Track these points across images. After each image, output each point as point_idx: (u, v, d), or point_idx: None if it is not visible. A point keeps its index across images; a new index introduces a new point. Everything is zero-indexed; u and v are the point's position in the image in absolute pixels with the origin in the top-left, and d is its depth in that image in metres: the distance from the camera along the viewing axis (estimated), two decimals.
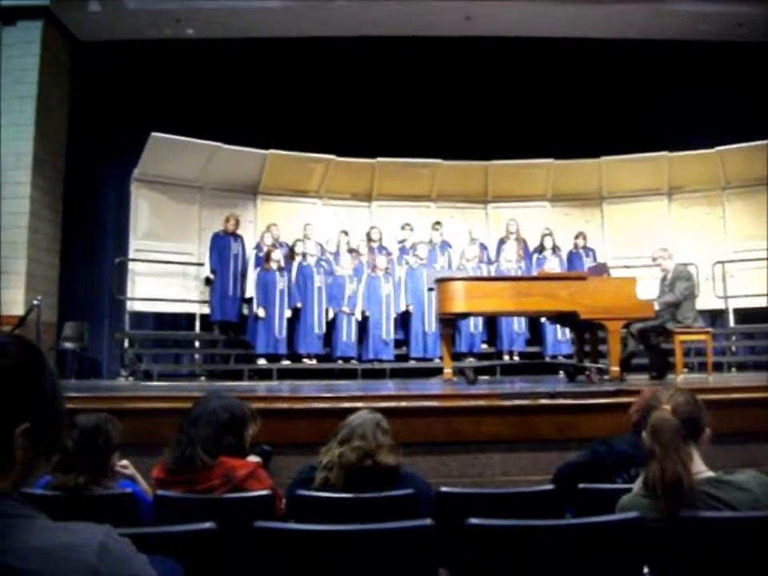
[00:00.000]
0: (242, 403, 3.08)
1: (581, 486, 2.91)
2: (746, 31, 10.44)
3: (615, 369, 7.09)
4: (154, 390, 7.25)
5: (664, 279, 7.93)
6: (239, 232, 10.57)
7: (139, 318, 10.40)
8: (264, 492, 2.77)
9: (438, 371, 8.64)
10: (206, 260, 10.36)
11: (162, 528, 2.30)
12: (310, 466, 2.98)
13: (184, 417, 2.97)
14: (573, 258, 10.90)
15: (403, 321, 10.51)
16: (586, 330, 8.05)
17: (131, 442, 4.16)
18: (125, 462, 3.16)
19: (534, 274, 9.76)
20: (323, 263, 10.39)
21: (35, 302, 8.68)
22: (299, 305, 10.02)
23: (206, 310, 10.45)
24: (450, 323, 7.91)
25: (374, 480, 2.81)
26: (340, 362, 10.08)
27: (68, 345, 9.81)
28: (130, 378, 9.55)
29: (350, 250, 10.60)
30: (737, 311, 10.85)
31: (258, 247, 10.39)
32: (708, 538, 2.13)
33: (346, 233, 10.78)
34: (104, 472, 2.91)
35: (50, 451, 1.17)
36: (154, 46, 10.64)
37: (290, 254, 10.27)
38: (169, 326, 10.79)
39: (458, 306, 7.29)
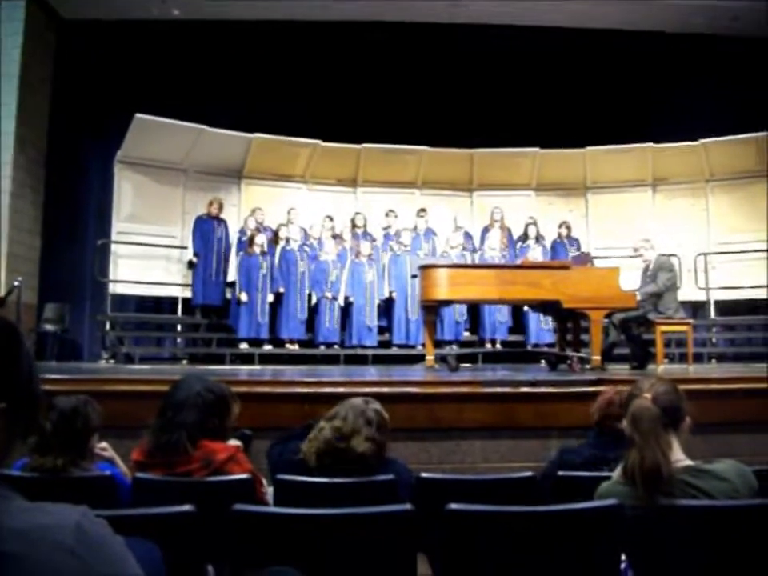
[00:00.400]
0: (220, 383, 3.06)
1: (560, 473, 2.92)
2: (741, 25, 10.44)
3: (596, 358, 7.12)
4: (135, 373, 7.21)
5: (646, 270, 7.96)
6: (223, 216, 10.52)
7: (121, 301, 10.34)
8: (244, 476, 2.76)
9: (420, 358, 8.65)
10: (190, 244, 10.30)
11: (140, 510, 2.29)
12: (285, 446, 2.99)
13: (166, 401, 2.92)
14: (557, 247, 10.93)
15: (386, 307, 10.51)
16: (569, 320, 8.07)
17: (111, 424, 4.14)
18: (104, 445, 3.14)
19: (518, 262, 9.77)
20: (306, 248, 10.36)
21: (16, 283, 8.61)
22: (282, 290, 9.99)
23: (188, 293, 10.40)
24: (432, 310, 7.91)
25: (346, 463, 2.81)
26: (322, 347, 10.08)
27: (48, 327, 9.73)
28: (111, 361, 9.51)
29: (334, 236, 10.56)
30: (718, 303, 10.92)
31: (242, 231, 10.36)
32: (686, 526, 2.15)
33: (330, 218, 10.73)
34: (83, 454, 2.89)
35: (25, 432, 1.15)
36: (139, 26, 10.53)
37: (274, 239, 10.23)
38: (151, 309, 10.74)
39: (441, 293, 7.29)
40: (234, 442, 3.10)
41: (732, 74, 10.79)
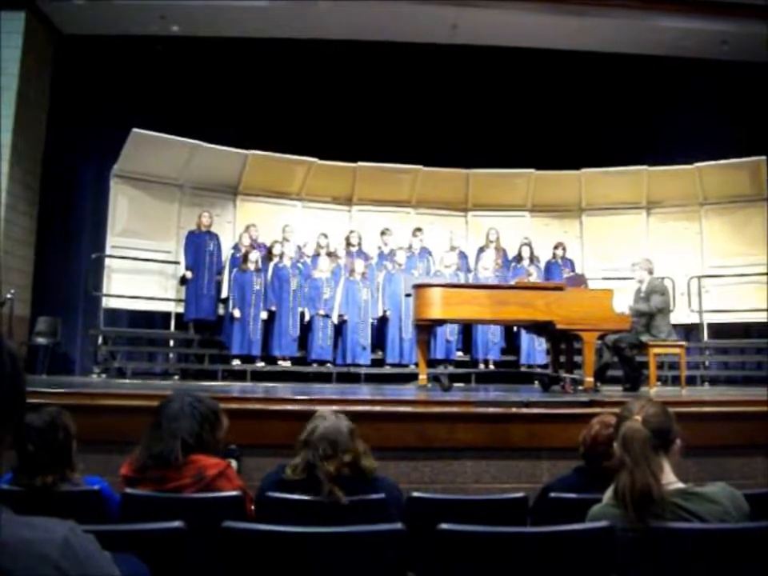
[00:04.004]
0: (208, 398, 3.05)
1: (552, 494, 2.91)
2: (730, 49, 10.51)
3: (589, 379, 7.13)
4: (126, 388, 7.19)
5: (638, 291, 7.99)
6: (214, 230, 10.52)
7: (114, 315, 10.29)
8: (234, 492, 2.74)
9: (413, 377, 8.64)
10: (182, 258, 10.29)
11: (128, 526, 2.27)
12: (279, 465, 2.96)
13: (159, 414, 2.89)
14: (551, 268, 10.94)
15: (380, 326, 10.50)
16: (562, 341, 8.08)
17: (102, 438, 4.12)
18: None
19: (513, 282, 9.77)
20: (299, 265, 10.36)
21: (8, 296, 8.58)
22: (273, 308, 9.97)
23: (181, 309, 10.36)
24: (426, 329, 7.90)
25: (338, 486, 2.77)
26: (315, 365, 10.05)
27: (40, 340, 9.68)
28: (103, 375, 9.47)
29: (329, 254, 10.57)
30: (711, 326, 10.93)
31: (236, 248, 10.36)
32: (677, 548, 2.14)
33: (325, 236, 10.74)
34: (71, 465, 2.86)
35: (6, 430, 1.12)
36: (138, 42, 10.56)
37: (268, 256, 10.23)
38: (144, 324, 10.69)
39: (435, 312, 7.29)
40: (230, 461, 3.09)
41: (726, 98, 10.88)
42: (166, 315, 10.57)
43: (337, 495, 2.69)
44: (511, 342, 10.75)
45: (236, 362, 9.87)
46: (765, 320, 10.04)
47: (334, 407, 3.20)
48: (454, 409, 5.28)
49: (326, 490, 2.71)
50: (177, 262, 10.43)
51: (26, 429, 2.78)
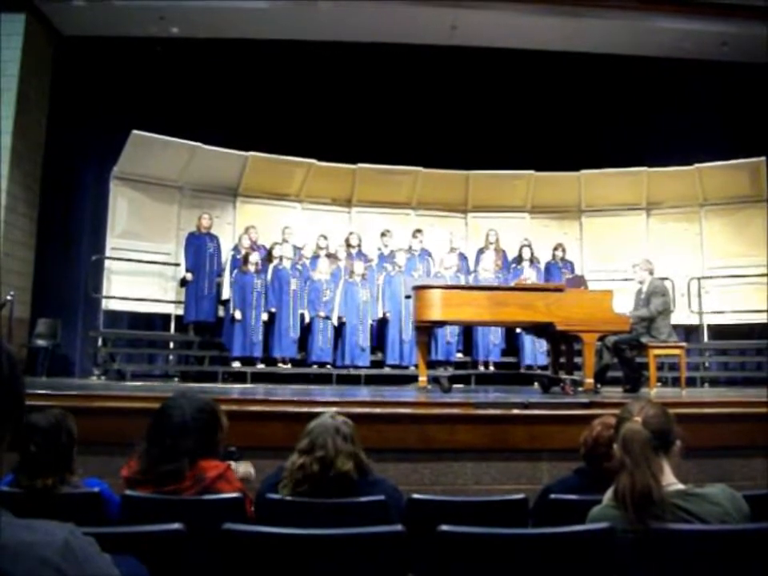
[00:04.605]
0: (206, 398, 3.03)
1: (552, 496, 2.91)
2: (730, 50, 10.51)
3: (589, 381, 7.12)
4: (126, 390, 7.18)
5: (639, 292, 7.99)
6: (214, 232, 10.52)
7: (114, 317, 10.28)
8: (234, 494, 2.74)
9: (413, 379, 8.63)
10: (182, 260, 10.29)
11: (128, 528, 2.27)
12: (279, 467, 2.95)
13: (160, 426, 2.83)
14: (551, 269, 10.93)
15: (380, 328, 10.49)
16: (562, 342, 8.07)
17: (103, 440, 4.12)
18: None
19: (512, 284, 9.76)
20: (298, 267, 10.35)
21: (8, 298, 8.57)
22: (273, 310, 9.96)
23: (181, 311, 10.35)
24: (426, 331, 7.90)
25: (338, 487, 2.78)
26: (315, 367, 10.04)
27: (40, 342, 9.66)
28: (103, 378, 9.46)
29: (328, 255, 10.56)
30: (711, 327, 10.93)
31: (236, 249, 10.35)
32: (677, 550, 2.14)
33: (325, 237, 10.74)
34: (71, 468, 2.86)
35: (5, 432, 1.12)
36: (138, 43, 10.56)
37: (268, 257, 10.22)
38: (143, 325, 10.67)
39: (435, 313, 7.29)
40: (233, 464, 3.08)
41: (725, 99, 10.89)
42: (165, 317, 10.57)
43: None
44: (512, 343, 10.74)
45: (236, 364, 9.86)
46: (765, 321, 10.04)
47: (334, 409, 3.19)
48: (454, 410, 5.28)
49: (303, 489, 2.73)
50: (177, 264, 10.42)
51: (30, 429, 2.79)
